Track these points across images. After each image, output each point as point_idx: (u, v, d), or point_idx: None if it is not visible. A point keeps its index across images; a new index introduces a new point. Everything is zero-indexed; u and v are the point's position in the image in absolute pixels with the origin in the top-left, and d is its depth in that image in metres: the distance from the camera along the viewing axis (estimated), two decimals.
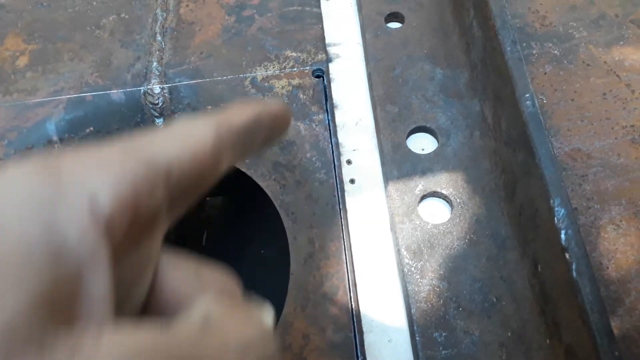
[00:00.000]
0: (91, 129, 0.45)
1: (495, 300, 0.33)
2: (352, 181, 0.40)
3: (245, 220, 1.02)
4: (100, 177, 0.14)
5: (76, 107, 0.46)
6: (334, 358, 0.34)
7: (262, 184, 0.44)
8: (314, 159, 0.42)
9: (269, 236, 0.94)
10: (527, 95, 0.31)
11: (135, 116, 0.46)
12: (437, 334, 0.32)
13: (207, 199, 1.10)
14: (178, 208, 0.17)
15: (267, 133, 0.21)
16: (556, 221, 0.28)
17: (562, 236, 0.27)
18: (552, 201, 0.28)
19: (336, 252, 0.39)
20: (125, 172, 0.15)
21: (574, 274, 0.26)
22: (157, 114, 0.46)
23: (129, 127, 0.46)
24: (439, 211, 0.37)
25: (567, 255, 0.27)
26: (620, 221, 0.36)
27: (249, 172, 0.44)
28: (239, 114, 0.19)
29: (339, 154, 0.42)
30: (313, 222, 0.40)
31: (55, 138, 0.45)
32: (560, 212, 0.28)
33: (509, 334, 0.32)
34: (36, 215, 0.13)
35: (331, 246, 0.39)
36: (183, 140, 0.17)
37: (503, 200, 0.36)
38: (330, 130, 0.43)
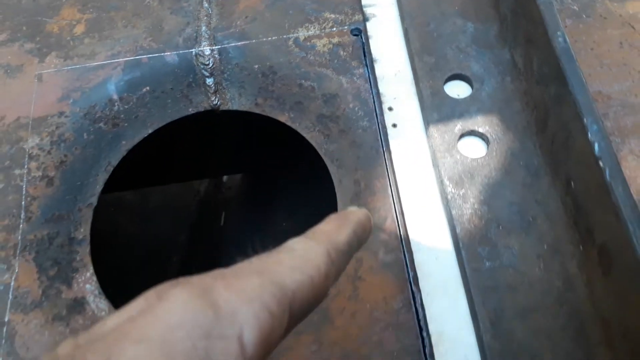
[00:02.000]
0: (147, 88, 0.49)
1: (531, 219, 0.37)
2: (394, 125, 0.44)
3: (263, 198, 1.05)
4: (247, 311, 0.17)
5: (133, 69, 0.50)
6: (387, 274, 0.38)
7: (307, 135, 0.47)
8: (356, 108, 0.46)
9: (291, 207, 0.97)
10: (558, 33, 0.35)
11: (187, 76, 0.50)
12: (480, 248, 0.36)
13: (224, 179, 1.13)
14: (290, 329, 0.20)
15: (360, 242, 0.24)
16: (590, 136, 0.32)
17: (596, 147, 0.31)
18: (585, 119, 0.32)
19: (381, 189, 0.42)
20: (265, 302, 0.18)
21: (607, 177, 0.30)
22: (207, 74, 0.50)
23: (182, 87, 0.49)
24: (476, 147, 0.41)
25: (600, 163, 0.31)
26: (639, 152, 0.40)
27: (293, 126, 0.48)
28: (340, 232, 0.23)
29: (380, 103, 0.46)
30: (358, 165, 0.44)
31: (115, 97, 0.48)
32: (593, 127, 0.32)
33: (545, 246, 0.36)
34: (198, 340, 0.16)
35: (376, 183, 0.43)
36: (303, 266, 0.20)
37: (535, 135, 0.40)
38: (370, 82, 0.47)
